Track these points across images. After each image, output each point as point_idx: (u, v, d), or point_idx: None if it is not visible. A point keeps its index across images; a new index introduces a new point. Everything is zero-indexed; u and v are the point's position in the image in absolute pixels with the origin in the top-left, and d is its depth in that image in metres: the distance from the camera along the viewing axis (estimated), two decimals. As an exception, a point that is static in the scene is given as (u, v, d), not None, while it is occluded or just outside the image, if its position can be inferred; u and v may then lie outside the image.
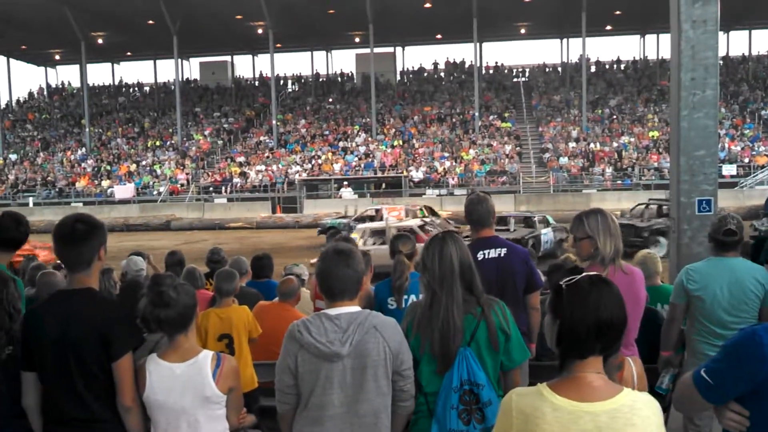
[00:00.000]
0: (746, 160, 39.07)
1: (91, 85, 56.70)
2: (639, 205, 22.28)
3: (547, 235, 19.09)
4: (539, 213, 22.22)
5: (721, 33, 43.74)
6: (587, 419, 1.94)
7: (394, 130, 47.04)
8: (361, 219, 23.30)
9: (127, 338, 3.02)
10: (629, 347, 3.80)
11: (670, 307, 4.73)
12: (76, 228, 3.05)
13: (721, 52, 52.08)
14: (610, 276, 3.76)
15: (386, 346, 2.92)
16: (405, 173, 40.85)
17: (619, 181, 39.08)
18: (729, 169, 37.74)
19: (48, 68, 63.56)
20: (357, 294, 3.02)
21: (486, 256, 4.44)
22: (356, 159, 43.88)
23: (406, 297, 4.59)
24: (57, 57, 60.23)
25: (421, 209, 23.59)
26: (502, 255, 4.51)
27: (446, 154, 43.17)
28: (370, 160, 43.46)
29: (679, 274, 4.64)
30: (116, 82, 62.31)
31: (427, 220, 20.27)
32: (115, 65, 62.20)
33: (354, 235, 18.86)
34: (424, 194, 38.83)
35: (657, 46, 54.26)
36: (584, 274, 2.08)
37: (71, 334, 2.95)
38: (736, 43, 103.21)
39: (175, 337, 3.03)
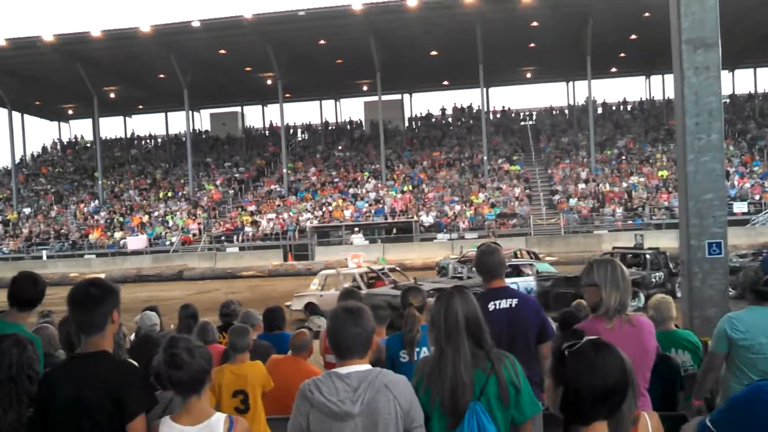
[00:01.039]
0: (757, 197, 38.96)
1: (103, 137, 57.50)
2: (605, 254, 20.88)
3: (527, 283, 18.01)
4: (546, 258, 21.65)
5: (726, 72, 43.83)
6: None
7: (403, 175, 47.30)
8: (464, 260, 23.23)
9: (141, 399, 3.04)
10: (640, 398, 3.78)
11: (709, 357, 4.65)
12: (89, 292, 3.10)
13: (727, 90, 52.46)
14: (616, 328, 3.77)
15: (397, 404, 2.93)
16: (415, 218, 40.94)
17: (630, 221, 38.99)
18: (740, 207, 37.63)
19: (61, 122, 64.58)
20: (367, 352, 3.04)
21: (497, 307, 4.43)
22: (366, 205, 44.06)
23: (417, 350, 4.59)
24: (70, 111, 61.28)
25: (382, 258, 25.62)
26: (514, 305, 4.50)
27: (456, 198, 43.30)
28: (380, 206, 43.62)
29: (721, 322, 4.56)
30: (128, 135, 63.17)
31: (377, 267, 21.00)
32: (127, 118, 63.09)
33: (314, 280, 20.02)
34: (435, 239, 38.84)
35: (663, 86, 54.64)
36: (585, 338, 2.08)
37: (85, 397, 2.98)
38: (742, 81, 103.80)
39: (188, 398, 3.05)
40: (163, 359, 3.03)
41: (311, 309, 16.93)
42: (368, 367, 3.02)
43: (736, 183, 39.71)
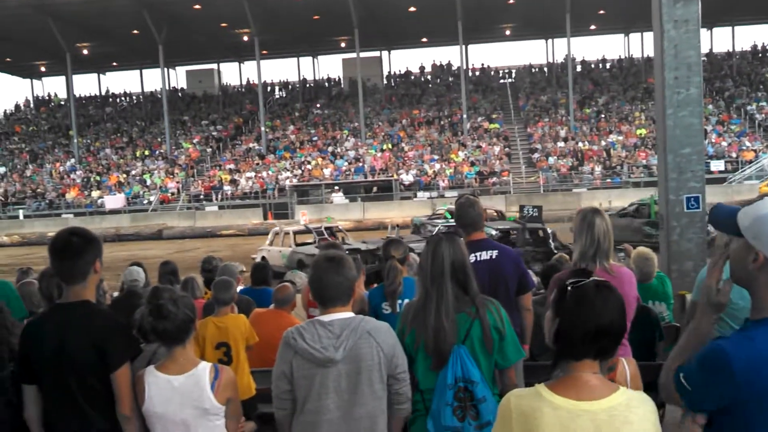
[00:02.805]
0: (734, 155, 39.31)
1: (77, 95, 56.56)
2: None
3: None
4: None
5: (704, 30, 43.94)
6: (586, 418, 1.96)
7: (382, 133, 47.11)
8: (436, 216, 23.60)
9: (124, 349, 3.04)
10: (621, 346, 3.85)
11: (691, 306, 4.61)
12: (71, 241, 3.07)
13: (705, 49, 52.48)
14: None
15: (380, 350, 2.96)
16: (395, 177, 40.91)
17: (608, 180, 39.26)
18: (717, 165, 38.00)
19: (34, 80, 63.38)
20: (349, 300, 3.06)
21: (478, 259, 4.45)
22: (346, 164, 43.92)
23: (399, 301, 4.62)
24: (42, 69, 60.04)
25: (329, 218, 26.15)
26: (494, 257, 4.53)
27: (436, 157, 43.27)
28: (360, 164, 43.51)
29: (701, 272, 4.46)
30: (103, 93, 62.21)
31: (314, 226, 21.67)
32: (101, 75, 62.03)
33: (269, 237, 20.80)
34: (415, 197, 38.89)
35: (642, 44, 54.62)
36: (592, 278, 2.09)
37: (69, 346, 2.97)
38: (720, 40, 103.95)
39: (173, 349, 3.05)
40: (148, 310, 3.03)
41: (299, 263, 17.19)
42: (351, 314, 3.04)
43: (713, 141, 40.02)
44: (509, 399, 2.08)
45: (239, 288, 6.63)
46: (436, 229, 18.70)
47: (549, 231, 17.25)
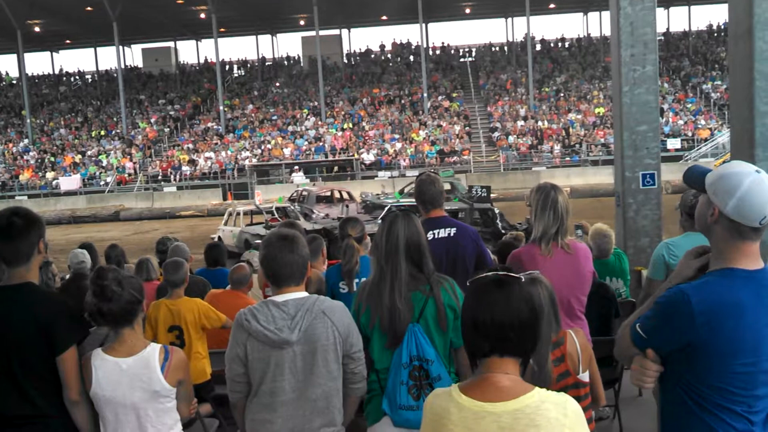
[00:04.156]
0: (690, 133, 39.96)
1: (29, 74, 55.11)
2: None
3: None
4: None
5: (661, 9, 44.28)
6: (489, 420, 1.91)
7: (343, 113, 46.86)
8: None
9: (70, 332, 2.95)
10: (576, 320, 3.88)
11: (647, 283, 4.63)
12: (12, 222, 2.96)
13: (662, 28, 53.13)
14: (553, 255, 3.84)
15: (335, 330, 2.92)
16: (356, 156, 40.78)
17: (567, 158, 39.65)
18: (673, 143, 38.62)
19: (-17, 58, 61.63)
20: (303, 279, 3.01)
21: (436, 236, 4.43)
22: (306, 143, 43.63)
23: (357, 280, 4.57)
24: (-8, 46, 58.37)
25: (280, 198, 26.10)
26: (452, 234, 4.50)
27: (396, 136, 43.21)
28: (320, 143, 43.25)
29: (657, 249, 4.55)
30: (56, 71, 60.70)
31: (263, 206, 21.70)
32: (54, 54, 60.56)
33: (224, 217, 20.84)
34: (376, 177, 38.84)
35: (600, 23, 55.15)
36: (494, 272, 2.03)
37: (12, 329, 2.88)
38: (677, 19, 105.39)
39: (120, 331, 2.98)
40: (92, 291, 2.94)
41: (245, 243, 17.21)
42: (305, 294, 2.99)
43: (670, 120, 40.60)
44: (429, 397, 2.07)
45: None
46: (385, 209, 18.77)
47: (497, 211, 17.40)
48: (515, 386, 1.96)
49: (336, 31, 56.80)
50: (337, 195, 24.18)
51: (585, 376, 3.11)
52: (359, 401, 3.20)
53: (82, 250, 6.69)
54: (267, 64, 58.20)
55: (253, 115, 48.23)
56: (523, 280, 2.01)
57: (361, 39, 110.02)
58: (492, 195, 18.90)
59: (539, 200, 3.93)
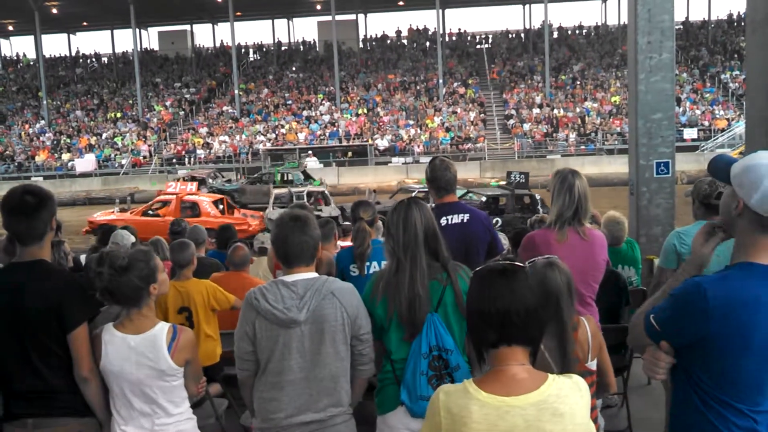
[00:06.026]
0: (707, 123, 39.59)
1: (47, 56, 55.30)
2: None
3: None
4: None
5: (681, -3, 43.34)
6: (515, 414, 1.90)
7: (358, 98, 46.75)
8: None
9: (81, 309, 2.98)
10: (587, 306, 3.87)
11: (658, 272, 4.61)
12: (25, 200, 2.99)
13: (681, 17, 52.55)
14: (568, 240, 3.82)
15: (344, 311, 2.93)
16: (370, 142, 40.70)
17: (582, 147, 39.41)
18: (690, 133, 38.26)
19: (1, 39, 61.82)
20: (313, 260, 3.02)
21: (449, 222, 4.40)
22: (320, 128, 43.59)
23: (368, 264, 4.58)
24: (10, 27, 58.50)
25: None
26: (465, 221, 4.47)
27: (411, 122, 43.08)
28: (334, 129, 43.20)
29: (669, 238, 4.54)
30: (73, 53, 60.89)
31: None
32: (71, 35, 60.64)
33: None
34: (390, 162, 38.77)
35: (618, 11, 54.44)
36: (501, 262, 2.05)
37: (24, 306, 2.91)
38: (696, 8, 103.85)
39: (130, 310, 3.01)
40: (97, 274, 2.97)
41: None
42: (315, 274, 3.00)
43: (687, 109, 40.24)
44: (438, 396, 2.02)
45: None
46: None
47: (537, 197, 17.34)
48: (533, 377, 1.96)
49: (352, 16, 56.60)
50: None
51: (593, 365, 3.12)
52: (366, 383, 3.20)
53: (124, 232, 6.72)
54: (283, 48, 58.09)
55: (268, 99, 48.21)
56: (537, 264, 2.02)
57: (378, 24, 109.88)
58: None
59: (556, 184, 3.93)
